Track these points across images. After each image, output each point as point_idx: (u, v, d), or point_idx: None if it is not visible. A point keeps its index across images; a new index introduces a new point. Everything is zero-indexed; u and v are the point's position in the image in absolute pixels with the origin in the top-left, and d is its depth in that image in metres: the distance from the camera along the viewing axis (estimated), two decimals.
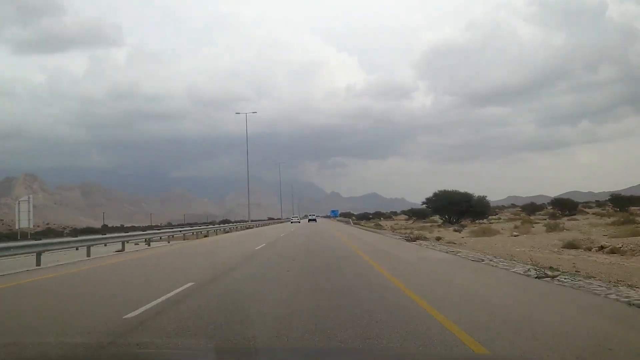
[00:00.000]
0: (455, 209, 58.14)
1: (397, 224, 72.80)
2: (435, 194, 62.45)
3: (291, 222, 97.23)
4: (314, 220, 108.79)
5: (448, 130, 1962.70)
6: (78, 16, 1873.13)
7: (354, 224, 76.49)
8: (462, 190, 61.58)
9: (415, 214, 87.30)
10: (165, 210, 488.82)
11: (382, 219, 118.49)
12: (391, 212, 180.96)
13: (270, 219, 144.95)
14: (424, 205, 67.30)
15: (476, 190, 66.97)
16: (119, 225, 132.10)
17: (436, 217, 78.62)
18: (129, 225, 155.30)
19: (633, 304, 7.32)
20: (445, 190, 62.24)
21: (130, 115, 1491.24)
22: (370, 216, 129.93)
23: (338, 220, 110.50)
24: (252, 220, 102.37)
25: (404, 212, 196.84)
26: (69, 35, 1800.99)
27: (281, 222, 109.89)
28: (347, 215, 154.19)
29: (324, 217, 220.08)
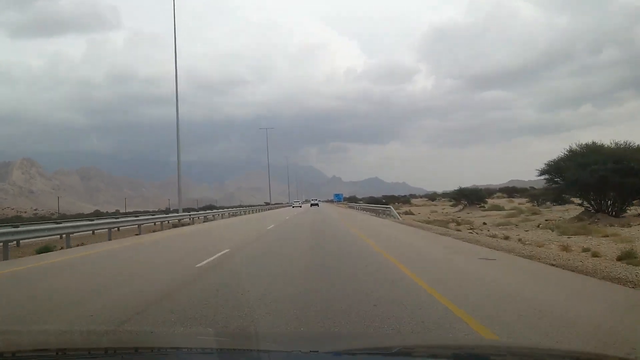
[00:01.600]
0: (619, 183, 25.91)
1: (433, 212, 53.36)
2: (571, 152, 30.30)
3: (292, 207, 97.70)
4: (317, 205, 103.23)
5: (449, 114, 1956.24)
6: None
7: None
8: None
9: (464, 197, 62.15)
10: (165, 194, 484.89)
11: (398, 203, 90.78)
12: (399, 195, 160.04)
13: (267, 203, 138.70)
14: (544, 178, 32.13)
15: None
16: (114, 210, 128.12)
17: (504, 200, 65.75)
18: (127, 210, 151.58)
19: None
20: (594, 143, 30.36)
21: (129, 99, 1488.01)
22: (384, 200, 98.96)
23: (348, 207, 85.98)
24: (219, 209, 75.36)
25: (409, 194, 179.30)
26: (66, 18, 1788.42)
27: (271, 209, 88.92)
28: (352, 200, 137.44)
29: (326, 201, 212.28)
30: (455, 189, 65.11)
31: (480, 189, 68.04)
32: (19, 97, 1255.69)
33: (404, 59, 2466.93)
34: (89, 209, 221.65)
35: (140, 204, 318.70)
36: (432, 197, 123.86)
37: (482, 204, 57.85)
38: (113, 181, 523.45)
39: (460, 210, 53.17)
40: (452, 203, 71.03)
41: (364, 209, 56.74)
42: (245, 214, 63.37)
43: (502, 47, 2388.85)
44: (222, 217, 52.06)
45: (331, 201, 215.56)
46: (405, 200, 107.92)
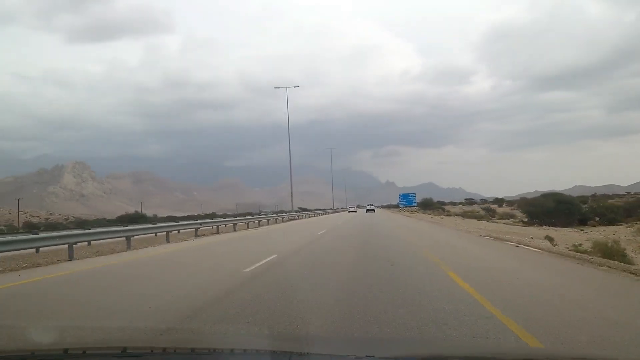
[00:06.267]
0: None
1: None
2: None
3: (348, 212, 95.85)
4: (372, 210, 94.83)
5: (508, 117, 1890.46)
6: (128, 2, 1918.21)
7: None
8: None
9: None
10: (217, 199, 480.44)
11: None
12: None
13: (302, 209, 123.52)
14: None
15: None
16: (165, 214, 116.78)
17: None
18: (180, 214, 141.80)
19: None
20: None
21: (184, 103, 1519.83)
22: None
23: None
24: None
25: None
26: (121, 23, 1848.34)
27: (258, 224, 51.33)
28: (426, 204, 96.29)
29: (382, 207, 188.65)
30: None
31: None
32: (77, 103, 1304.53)
33: (462, 59, 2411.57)
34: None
35: (192, 208, 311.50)
36: None
37: None
38: (165, 185, 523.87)
39: None
40: None
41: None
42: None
43: (566, 46, 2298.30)
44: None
45: (390, 206, 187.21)
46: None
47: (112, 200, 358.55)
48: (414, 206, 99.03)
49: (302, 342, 3.75)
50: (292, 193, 66.05)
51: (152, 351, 2.90)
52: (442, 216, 56.48)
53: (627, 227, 32.52)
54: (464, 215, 55.45)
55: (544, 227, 33.18)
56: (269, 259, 12.97)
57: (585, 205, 45.57)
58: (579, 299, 7.41)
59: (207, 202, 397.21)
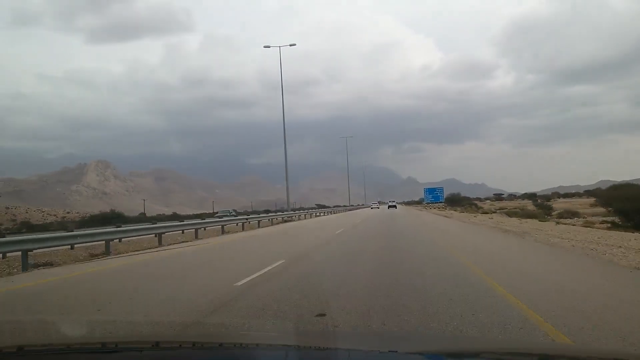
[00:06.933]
0: None
1: None
2: None
3: (371, 208, 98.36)
4: (394, 207, 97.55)
5: (531, 111, 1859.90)
6: (148, 1, 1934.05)
7: None
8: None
9: None
10: (238, 196, 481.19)
11: None
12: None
13: (320, 206, 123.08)
14: None
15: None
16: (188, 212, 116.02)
17: None
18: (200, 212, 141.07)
19: None
20: None
21: (205, 101, 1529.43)
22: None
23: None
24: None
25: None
26: (142, 22, 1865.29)
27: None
28: (454, 200, 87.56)
29: (404, 203, 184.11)
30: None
31: None
32: (99, 102, 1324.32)
33: (483, 54, 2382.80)
34: (160, 210, 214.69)
35: (214, 206, 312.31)
36: None
37: None
38: (187, 183, 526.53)
39: None
40: None
41: None
42: None
43: (589, 39, 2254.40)
44: None
45: (411, 202, 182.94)
46: None
47: (134, 198, 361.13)
48: (440, 202, 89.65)
49: (325, 337, 3.71)
50: (287, 189, 58.17)
51: (180, 346, 2.93)
52: (484, 215, 43.82)
53: None
54: (509, 213, 45.36)
55: None
56: None
57: None
58: None
59: (228, 200, 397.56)
